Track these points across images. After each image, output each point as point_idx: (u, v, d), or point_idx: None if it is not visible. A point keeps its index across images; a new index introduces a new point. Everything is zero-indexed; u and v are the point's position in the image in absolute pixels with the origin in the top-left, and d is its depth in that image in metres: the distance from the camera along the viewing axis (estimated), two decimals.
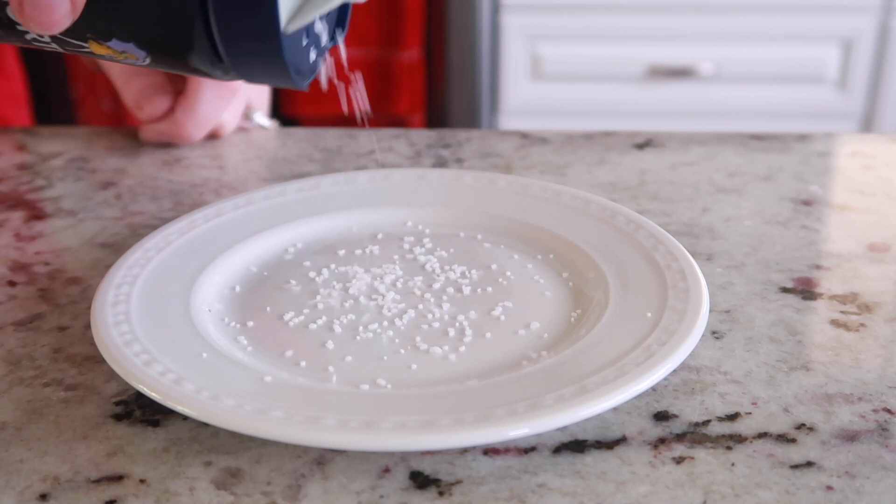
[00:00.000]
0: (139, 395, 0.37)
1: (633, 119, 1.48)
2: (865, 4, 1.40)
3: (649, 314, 0.38)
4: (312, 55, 0.37)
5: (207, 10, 0.32)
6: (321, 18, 0.37)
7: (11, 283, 0.47)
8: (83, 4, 0.32)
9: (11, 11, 0.33)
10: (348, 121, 0.49)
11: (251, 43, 0.33)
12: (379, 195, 0.51)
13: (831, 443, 0.34)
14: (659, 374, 0.35)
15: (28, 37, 0.35)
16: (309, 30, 0.36)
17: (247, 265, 0.46)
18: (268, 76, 0.35)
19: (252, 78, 0.35)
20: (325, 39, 0.38)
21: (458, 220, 0.49)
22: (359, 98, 0.43)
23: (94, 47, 0.35)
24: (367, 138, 0.65)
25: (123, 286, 0.41)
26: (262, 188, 0.51)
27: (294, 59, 0.35)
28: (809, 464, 0.33)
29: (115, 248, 0.50)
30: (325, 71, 0.39)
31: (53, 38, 0.35)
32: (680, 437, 0.35)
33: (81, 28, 0.34)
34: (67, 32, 0.34)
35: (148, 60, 0.35)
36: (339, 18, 0.39)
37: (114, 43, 0.34)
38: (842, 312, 0.43)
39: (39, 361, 0.40)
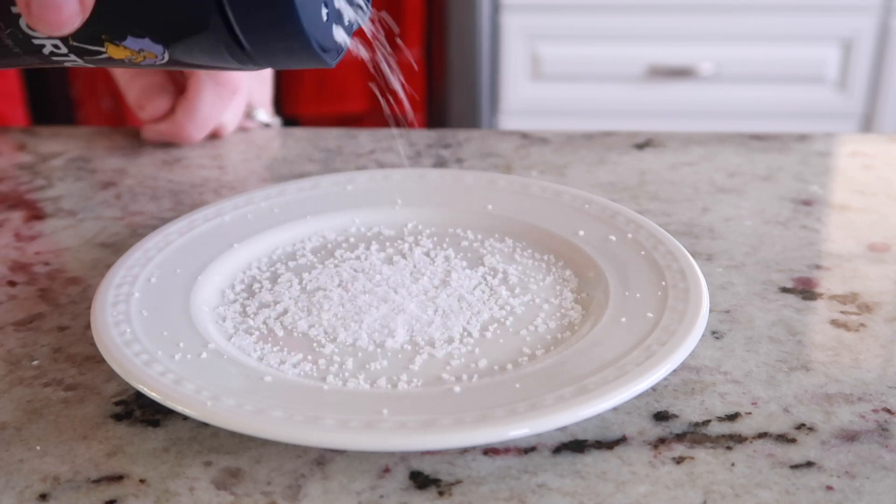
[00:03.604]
0: (139, 395, 0.37)
1: (633, 119, 1.48)
2: (865, 4, 1.40)
3: (649, 314, 0.38)
4: (337, 32, 0.37)
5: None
6: None
7: (11, 283, 0.47)
8: (92, 3, 0.32)
9: (24, 20, 0.33)
10: (348, 121, 0.49)
11: (268, 15, 0.32)
12: (379, 195, 0.51)
13: (831, 443, 0.34)
14: (659, 374, 0.34)
15: (45, 51, 0.35)
16: (328, 3, 0.35)
17: (247, 265, 0.46)
18: (291, 55, 0.34)
19: (275, 59, 0.34)
20: (348, 17, 0.38)
21: (458, 220, 0.49)
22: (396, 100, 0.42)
23: (112, 50, 0.34)
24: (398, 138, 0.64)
25: (123, 286, 0.41)
26: (262, 188, 0.51)
27: (316, 34, 0.34)
28: (809, 464, 0.33)
29: (115, 248, 0.50)
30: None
31: (69, 47, 0.34)
32: (680, 437, 0.35)
33: (95, 29, 0.33)
34: (81, 37, 0.33)
35: (167, 57, 0.34)
36: None
37: (129, 41, 0.34)
38: (842, 312, 0.43)
39: (39, 361, 0.40)
